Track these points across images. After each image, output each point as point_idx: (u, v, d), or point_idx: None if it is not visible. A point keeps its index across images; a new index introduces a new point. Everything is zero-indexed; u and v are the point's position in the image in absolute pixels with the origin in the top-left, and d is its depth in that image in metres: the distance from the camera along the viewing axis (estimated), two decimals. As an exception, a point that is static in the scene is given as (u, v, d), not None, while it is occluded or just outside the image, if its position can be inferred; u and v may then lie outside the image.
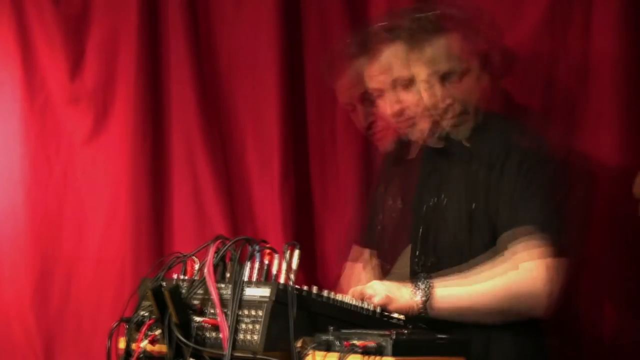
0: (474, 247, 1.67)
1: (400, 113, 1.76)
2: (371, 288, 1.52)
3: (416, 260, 1.76)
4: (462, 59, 1.74)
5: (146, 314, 1.38)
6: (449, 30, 1.75)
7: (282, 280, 1.27)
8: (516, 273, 1.57)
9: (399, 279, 1.72)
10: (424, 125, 1.75)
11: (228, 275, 1.33)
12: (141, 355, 1.36)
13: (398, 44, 1.75)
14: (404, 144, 1.91)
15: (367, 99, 1.87)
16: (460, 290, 1.57)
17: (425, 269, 1.69)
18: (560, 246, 1.59)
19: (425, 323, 1.52)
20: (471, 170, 1.72)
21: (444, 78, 1.73)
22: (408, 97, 1.74)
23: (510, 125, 1.79)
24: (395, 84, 1.75)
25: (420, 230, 1.79)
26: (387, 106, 1.79)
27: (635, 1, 1.97)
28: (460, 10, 1.85)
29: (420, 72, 1.73)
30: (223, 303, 1.26)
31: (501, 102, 1.96)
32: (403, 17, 1.85)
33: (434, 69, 1.73)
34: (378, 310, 1.44)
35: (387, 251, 1.87)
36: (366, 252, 1.94)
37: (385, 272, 1.83)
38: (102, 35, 2.61)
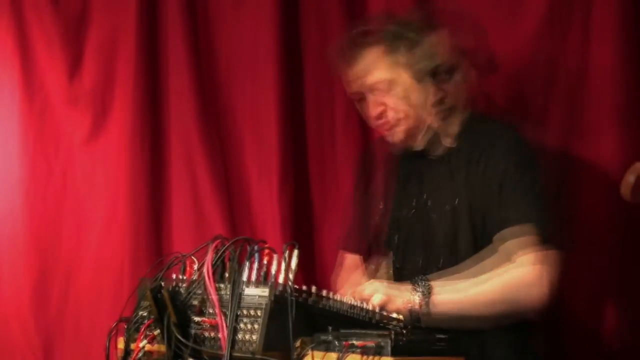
0: (463, 246, 1.68)
1: (380, 116, 1.77)
2: (370, 288, 1.52)
3: (405, 261, 1.77)
4: (446, 60, 1.74)
5: (145, 314, 1.37)
6: (432, 32, 1.75)
7: (281, 280, 1.27)
8: (513, 272, 1.58)
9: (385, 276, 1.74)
10: (404, 128, 1.75)
11: (227, 275, 1.32)
12: (140, 355, 1.36)
13: (375, 47, 1.76)
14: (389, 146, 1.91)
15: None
16: (458, 289, 1.57)
17: (416, 270, 1.69)
18: (555, 243, 1.60)
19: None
20: (458, 170, 1.72)
21: (425, 79, 1.73)
22: (388, 100, 1.75)
23: (497, 125, 1.79)
24: (373, 87, 1.75)
25: (409, 231, 1.80)
26: (368, 109, 1.80)
27: (634, 2, 1.97)
28: (444, 11, 1.86)
29: (401, 75, 1.73)
30: (222, 303, 1.26)
31: (485, 104, 1.97)
32: (381, 21, 1.86)
33: (415, 71, 1.73)
34: (377, 310, 1.44)
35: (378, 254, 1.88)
36: (354, 258, 1.95)
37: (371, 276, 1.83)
38: (100, 37, 2.61)
